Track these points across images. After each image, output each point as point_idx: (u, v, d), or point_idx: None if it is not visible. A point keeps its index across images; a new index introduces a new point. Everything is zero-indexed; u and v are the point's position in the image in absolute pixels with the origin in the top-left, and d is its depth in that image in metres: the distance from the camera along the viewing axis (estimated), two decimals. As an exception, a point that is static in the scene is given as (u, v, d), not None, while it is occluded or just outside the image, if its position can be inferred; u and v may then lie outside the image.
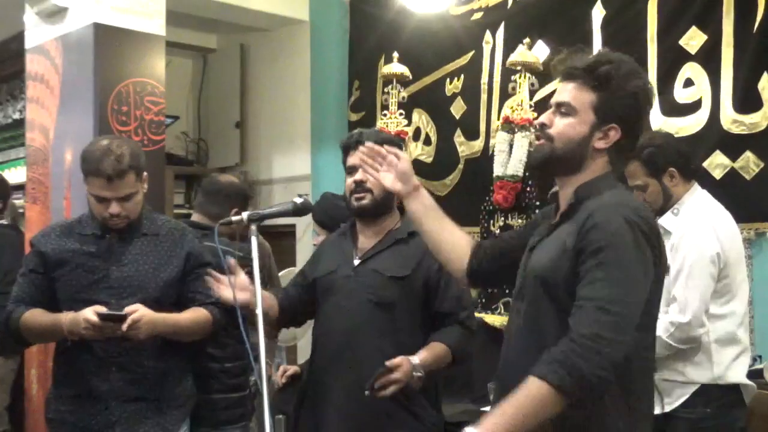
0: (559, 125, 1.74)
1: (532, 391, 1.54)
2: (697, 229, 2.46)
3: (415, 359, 2.25)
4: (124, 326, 2.25)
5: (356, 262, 2.42)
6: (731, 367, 2.47)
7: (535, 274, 1.73)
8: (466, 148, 4.24)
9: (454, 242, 2.00)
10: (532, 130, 3.20)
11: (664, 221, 2.53)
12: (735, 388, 2.49)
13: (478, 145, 4.17)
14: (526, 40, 3.56)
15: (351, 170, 2.41)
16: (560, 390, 1.52)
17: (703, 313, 2.41)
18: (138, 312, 2.28)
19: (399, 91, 3.91)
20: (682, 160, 2.58)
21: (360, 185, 2.37)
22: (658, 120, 3.37)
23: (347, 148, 2.43)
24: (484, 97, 4.12)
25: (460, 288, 2.37)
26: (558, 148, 1.74)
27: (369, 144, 2.06)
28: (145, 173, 2.44)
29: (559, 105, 1.75)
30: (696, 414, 2.44)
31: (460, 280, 2.11)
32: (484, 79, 4.13)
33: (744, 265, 2.61)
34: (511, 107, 3.51)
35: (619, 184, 1.77)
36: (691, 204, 2.55)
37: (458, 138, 4.28)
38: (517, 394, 1.55)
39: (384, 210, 2.43)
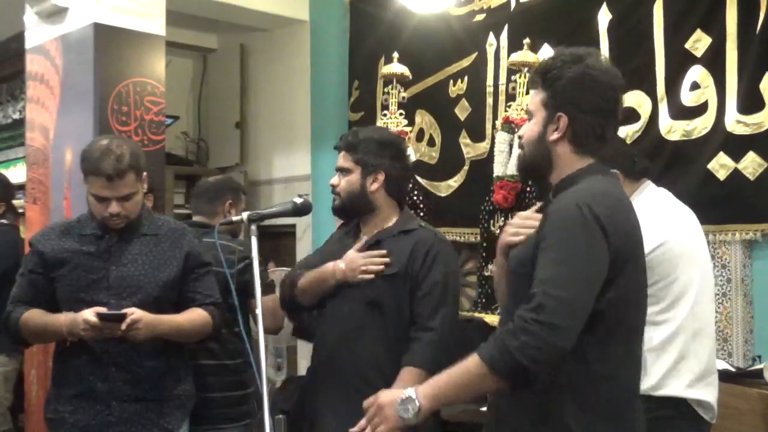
0: (525, 132, 1.83)
1: (468, 365, 1.64)
2: None
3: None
4: (123, 325, 2.25)
5: None
6: (667, 378, 2.32)
7: (511, 260, 1.82)
8: (471, 149, 4.23)
9: None
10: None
11: None
12: (677, 402, 2.32)
13: (483, 146, 4.15)
14: (527, 40, 3.56)
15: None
16: (490, 367, 1.59)
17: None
18: (138, 312, 2.27)
19: (399, 91, 3.91)
20: (626, 161, 2.52)
21: (332, 189, 2.49)
22: (666, 123, 3.37)
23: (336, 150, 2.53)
24: (489, 99, 4.11)
25: (442, 292, 2.33)
26: (526, 153, 1.84)
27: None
28: (144, 173, 2.44)
29: (527, 114, 1.85)
30: None
31: (450, 280, 2.22)
32: (489, 81, 4.12)
33: (701, 266, 2.45)
34: (509, 105, 3.51)
35: (602, 174, 1.77)
36: (636, 205, 2.48)
37: (463, 139, 4.27)
38: (456, 367, 1.66)
39: (357, 211, 2.47)
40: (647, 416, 2.23)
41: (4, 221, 4.37)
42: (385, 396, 1.73)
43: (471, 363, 1.63)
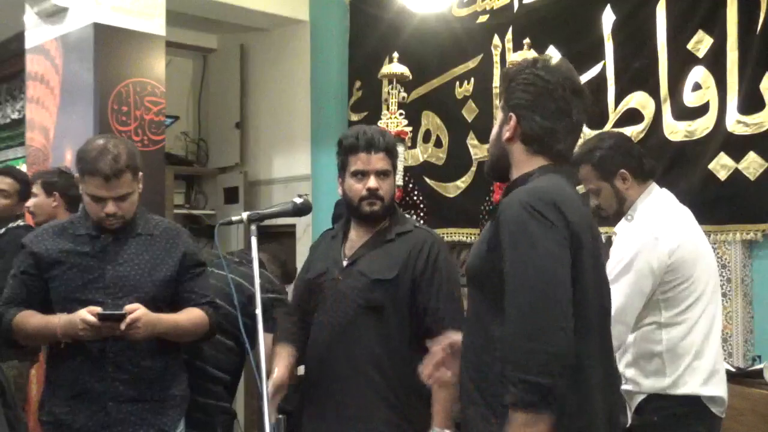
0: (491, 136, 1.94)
1: (511, 421, 1.56)
2: (635, 239, 2.38)
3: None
4: (123, 325, 2.24)
5: (344, 264, 2.40)
6: (683, 377, 2.35)
7: (466, 269, 1.87)
8: (478, 150, 4.22)
9: None
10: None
11: (619, 228, 2.48)
12: (692, 399, 2.35)
13: (490, 148, 4.14)
14: (527, 40, 3.56)
15: (360, 174, 2.39)
16: (523, 407, 1.54)
17: (621, 323, 2.28)
18: (137, 311, 2.26)
19: (399, 91, 3.91)
20: (634, 161, 2.52)
21: (374, 193, 2.37)
22: (669, 124, 3.36)
23: (354, 150, 2.40)
24: (496, 101, 4.10)
25: (448, 293, 2.34)
26: (490, 156, 1.96)
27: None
28: (140, 173, 2.43)
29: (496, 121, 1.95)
30: (641, 421, 2.36)
31: (451, 281, 2.22)
32: (496, 82, 4.11)
33: (710, 265, 2.49)
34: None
35: (554, 172, 1.78)
36: (644, 208, 2.47)
37: (471, 140, 4.27)
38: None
39: (388, 216, 2.45)
40: (662, 414, 2.29)
41: (20, 223, 4.32)
42: None
43: (514, 421, 1.55)
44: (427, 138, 4.50)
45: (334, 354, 2.35)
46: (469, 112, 4.27)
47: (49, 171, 3.87)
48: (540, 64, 1.82)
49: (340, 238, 2.48)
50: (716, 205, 3.15)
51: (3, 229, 3.87)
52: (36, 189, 3.70)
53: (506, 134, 1.84)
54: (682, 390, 2.34)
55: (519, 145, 1.83)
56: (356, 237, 2.45)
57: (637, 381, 2.38)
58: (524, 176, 1.80)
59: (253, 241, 2.12)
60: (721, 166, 3.16)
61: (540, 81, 1.80)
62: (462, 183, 4.32)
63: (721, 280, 3.12)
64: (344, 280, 2.38)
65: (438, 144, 4.47)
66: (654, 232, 2.37)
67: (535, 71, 1.81)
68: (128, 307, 2.27)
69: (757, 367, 2.89)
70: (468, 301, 1.87)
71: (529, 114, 1.80)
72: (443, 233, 4.16)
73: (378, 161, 2.39)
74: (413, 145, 4.43)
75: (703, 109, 3.26)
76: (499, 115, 1.90)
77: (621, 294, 2.27)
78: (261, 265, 2.96)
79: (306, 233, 5.16)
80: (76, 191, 3.62)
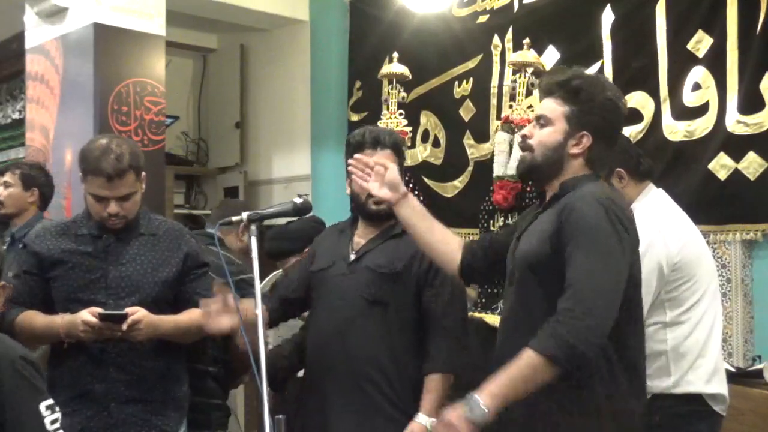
0: (538, 136, 1.96)
1: (525, 360, 1.73)
2: (643, 238, 2.29)
3: (423, 418, 2.24)
4: (124, 326, 2.23)
5: (351, 258, 2.41)
6: (687, 375, 2.36)
7: (522, 257, 1.92)
8: (475, 150, 4.23)
9: (445, 242, 2.17)
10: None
11: None
12: (694, 398, 2.36)
13: (487, 147, 4.13)
14: (527, 40, 3.56)
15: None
16: (549, 358, 1.70)
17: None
18: (139, 313, 2.26)
19: (399, 91, 3.91)
20: (632, 160, 2.52)
21: None
22: (669, 124, 3.36)
23: (361, 146, 2.42)
24: (493, 100, 4.11)
25: (451, 290, 2.36)
26: (538, 156, 1.95)
27: (357, 156, 2.24)
28: (143, 173, 2.42)
29: (538, 118, 1.97)
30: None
31: (454, 279, 2.23)
32: (494, 82, 4.12)
33: (711, 264, 2.51)
34: (510, 106, 3.51)
35: (601, 181, 1.94)
36: (642, 208, 2.46)
37: (468, 140, 4.28)
38: (512, 364, 1.74)
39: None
40: (664, 413, 2.32)
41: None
42: (450, 413, 1.76)
43: (527, 358, 1.72)
44: (425, 138, 4.51)
45: (336, 348, 2.35)
46: (466, 112, 4.27)
47: (27, 163, 3.72)
48: (612, 91, 1.92)
49: (347, 233, 2.49)
50: (716, 205, 3.16)
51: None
52: (11, 178, 3.51)
53: (574, 150, 1.91)
54: (686, 389, 2.35)
55: (580, 162, 1.92)
56: (363, 233, 2.46)
57: None
58: (574, 180, 1.90)
59: (253, 241, 2.12)
60: (721, 166, 3.17)
61: (618, 112, 1.93)
62: (459, 183, 4.32)
63: (721, 280, 3.13)
64: (350, 275, 2.38)
65: (436, 144, 4.47)
66: (661, 231, 2.38)
67: (614, 98, 1.91)
68: (129, 309, 2.26)
69: (757, 367, 2.89)
70: (517, 286, 1.94)
71: (603, 141, 1.91)
72: (443, 233, 4.16)
73: (385, 158, 2.39)
74: (413, 145, 4.43)
75: (702, 109, 3.26)
76: (560, 124, 1.92)
77: None
78: (220, 243, 2.96)
79: (306, 233, 5.15)
80: (50, 191, 3.66)
